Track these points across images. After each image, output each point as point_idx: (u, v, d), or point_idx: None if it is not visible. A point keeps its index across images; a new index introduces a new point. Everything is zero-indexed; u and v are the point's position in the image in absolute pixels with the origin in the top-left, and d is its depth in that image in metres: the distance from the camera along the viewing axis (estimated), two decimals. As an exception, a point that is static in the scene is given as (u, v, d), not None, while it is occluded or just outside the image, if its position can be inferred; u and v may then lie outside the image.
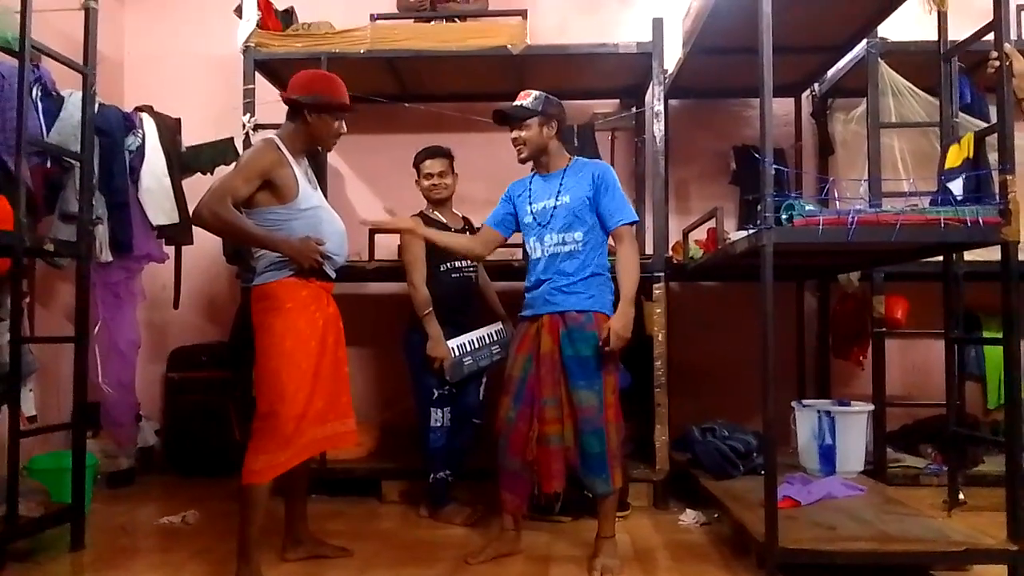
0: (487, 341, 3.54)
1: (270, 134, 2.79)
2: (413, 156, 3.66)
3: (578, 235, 2.87)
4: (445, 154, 3.62)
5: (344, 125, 2.81)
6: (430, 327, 3.41)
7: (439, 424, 3.49)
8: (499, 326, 3.61)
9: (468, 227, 3.66)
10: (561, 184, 2.92)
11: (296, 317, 2.62)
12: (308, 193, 2.70)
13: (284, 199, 2.64)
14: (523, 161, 3.00)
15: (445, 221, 3.57)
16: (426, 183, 3.59)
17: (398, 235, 3.62)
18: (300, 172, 2.70)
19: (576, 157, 3.04)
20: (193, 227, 4.08)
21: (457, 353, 3.44)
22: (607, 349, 2.76)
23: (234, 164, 2.70)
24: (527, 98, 2.92)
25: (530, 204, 2.98)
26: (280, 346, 2.58)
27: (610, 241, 2.96)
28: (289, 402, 2.56)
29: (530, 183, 3.03)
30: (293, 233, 2.63)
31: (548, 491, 2.92)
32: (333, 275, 2.78)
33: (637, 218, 2.96)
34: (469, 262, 3.55)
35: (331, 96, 2.74)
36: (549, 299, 2.89)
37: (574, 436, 2.83)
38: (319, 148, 2.97)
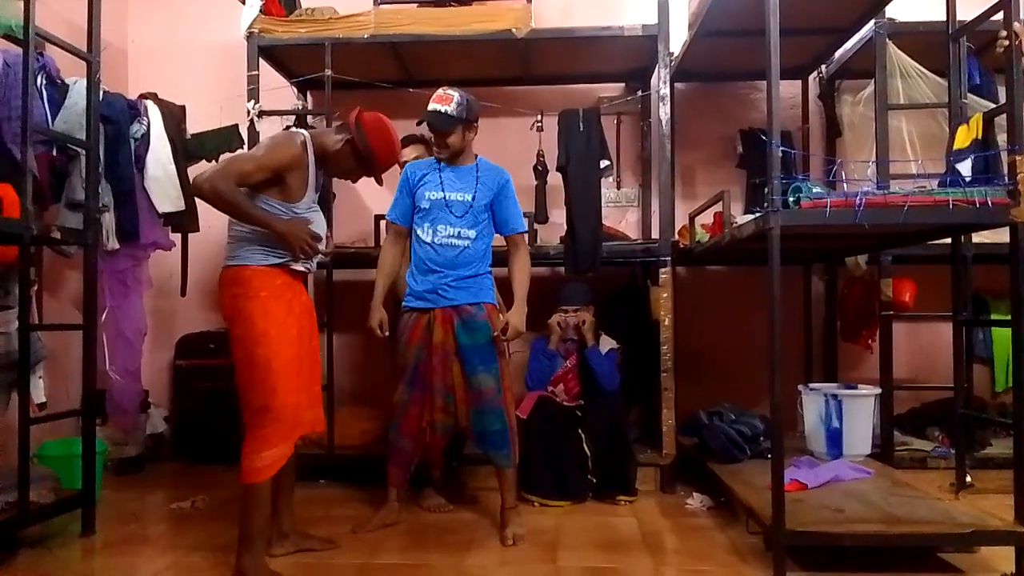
0: None
1: (297, 130, 2.75)
2: (417, 142, 3.66)
3: (472, 233, 3.06)
4: (420, 140, 3.65)
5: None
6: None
7: None
8: None
9: None
10: (477, 182, 3.09)
11: (274, 304, 2.58)
12: (310, 199, 2.69)
13: (287, 198, 2.61)
14: (443, 160, 3.12)
15: None
16: None
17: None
18: (312, 178, 2.67)
19: (480, 157, 3.18)
20: (199, 213, 4.12)
21: None
22: (503, 338, 3.02)
23: (257, 145, 2.64)
24: (449, 103, 2.99)
25: (443, 192, 3.08)
26: (264, 335, 2.53)
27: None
28: (282, 393, 2.53)
29: (440, 171, 3.12)
30: None
31: (435, 477, 3.35)
32: (311, 268, 2.77)
33: (527, 228, 3.21)
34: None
35: (378, 160, 2.75)
36: (442, 294, 3.06)
37: (470, 416, 3.06)
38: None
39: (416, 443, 3.13)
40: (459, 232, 3.06)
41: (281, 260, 2.63)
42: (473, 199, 3.07)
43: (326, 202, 3.60)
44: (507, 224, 3.13)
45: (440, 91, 3.03)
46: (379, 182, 2.84)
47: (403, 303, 3.16)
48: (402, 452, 3.16)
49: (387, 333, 3.12)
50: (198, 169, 4.17)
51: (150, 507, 3.63)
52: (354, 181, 2.94)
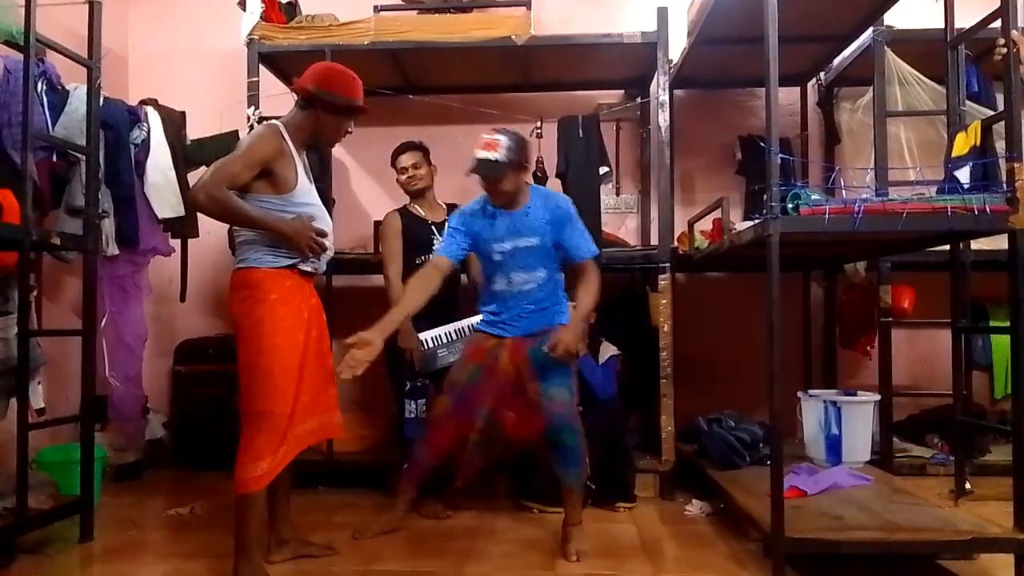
0: (466, 334, 3.49)
1: (271, 121, 2.72)
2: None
3: (542, 274, 2.96)
4: (418, 147, 3.68)
5: (352, 125, 2.78)
6: None
7: (413, 416, 3.52)
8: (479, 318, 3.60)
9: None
10: (539, 223, 2.93)
11: (283, 309, 2.55)
12: (305, 187, 2.66)
13: (281, 190, 2.58)
14: (499, 205, 2.96)
15: (423, 214, 3.64)
16: (402, 177, 3.67)
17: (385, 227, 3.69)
18: (300, 165, 2.65)
19: (534, 187, 3.04)
20: (198, 219, 4.13)
21: (430, 345, 3.46)
22: (554, 356, 2.80)
23: (238, 144, 2.62)
24: (497, 149, 2.82)
25: (512, 243, 2.94)
26: (270, 340, 2.52)
27: None
28: (281, 399, 2.51)
29: (493, 221, 2.96)
30: None
31: (460, 485, 3.04)
32: (322, 268, 2.76)
33: (598, 251, 3.03)
34: None
35: (349, 97, 2.69)
36: (515, 324, 2.98)
37: (545, 434, 2.90)
38: (319, 145, 2.94)
39: (437, 459, 3.03)
40: (530, 276, 2.95)
41: (291, 261, 2.60)
42: (539, 243, 2.93)
43: (326, 207, 3.61)
44: (575, 251, 2.94)
45: (485, 137, 2.86)
46: (363, 112, 2.75)
47: (477, 325, 3.13)
48: (419, 465, 3.09)
49: (359, 372, 2.73)
50: (198, 175, 4.20)
51: (149, 513, 3.62)
52: (333, 144, 2.91)
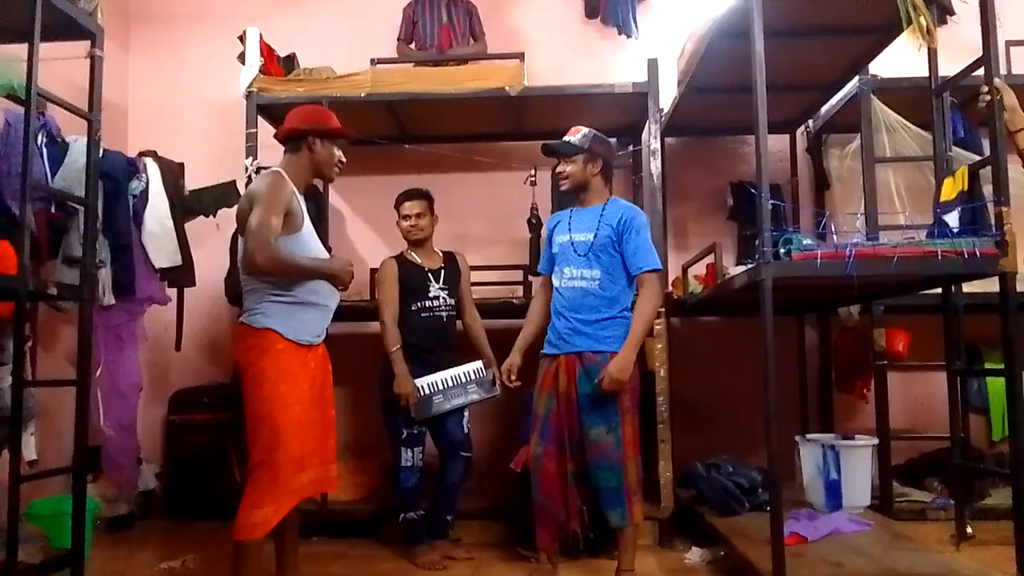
0: (462, 380, 3.52)
1: (270, 169, 2.77)
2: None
3: (595, 273, 2.95)
4: (424, 196, 3.69)
5: (343, 154, 2.84)
6: (396, 365, 3.45)
7: (409, 464, 3.49)
8: (478, 365, 3.59)
9: (447, 263, 3.69)
10: (600, 220, 3.00)
11: (289, 358, 2.57)
12: (308, 227, 2.72)
13: (291, 229, 2.63)
14: (564, 192, 3.14)
15: (419, 261, 3.64)
16: (404, 224, 3.67)
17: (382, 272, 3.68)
18: (302, 204, 2.70)
19: (614, 197, 3.13)
20: (195, 268, 4.14)
21: (426, 391, 3.46)
22: (603, 389, 2.84)
23: (256, 198, 2.63)
24: (576, 135, 3.06)
25: (569, 234, 3.06)
26: (274, 390, 2.53)
27: None
28: (283, 449, 2.51)
29: (570, 216, 3.11)
30: None
31: (569, 530, 3.01)
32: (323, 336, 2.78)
33: (660, 266, 3.02)
34: (440, 301, 3.59)
35: (328, 123, 2.80)
36: (567, 339, 2.96)
37: (587, 471, 2.91)
38: (321, 178, 2.94)
39: (557, 499, 2.97)
40: (581, 273, 2.97)
41: (304, 340, 2.63)
42: (594, 237, 2.97)
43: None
44: (632, 262, 2.95)
45: (573, 128, 3.11)
46: (351, 137, 2.88)
47: (543, 350, 3.12)
48: (545, 512, 2.99)
49: (514, 379, 3.13)
50: (196, 224, 4.24)
51: (140, 566, 3.56)
52: (332, 176, 2.88)
